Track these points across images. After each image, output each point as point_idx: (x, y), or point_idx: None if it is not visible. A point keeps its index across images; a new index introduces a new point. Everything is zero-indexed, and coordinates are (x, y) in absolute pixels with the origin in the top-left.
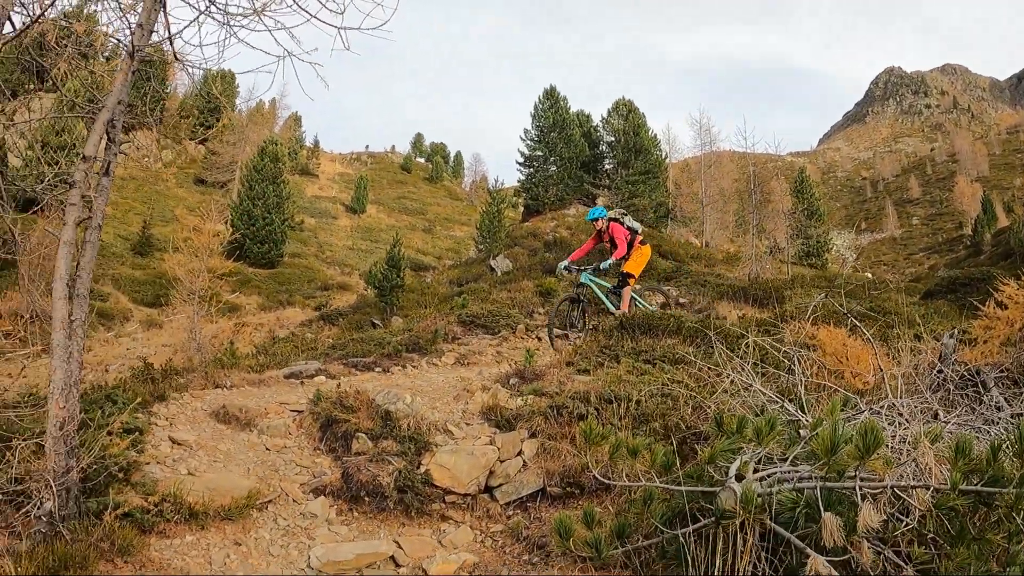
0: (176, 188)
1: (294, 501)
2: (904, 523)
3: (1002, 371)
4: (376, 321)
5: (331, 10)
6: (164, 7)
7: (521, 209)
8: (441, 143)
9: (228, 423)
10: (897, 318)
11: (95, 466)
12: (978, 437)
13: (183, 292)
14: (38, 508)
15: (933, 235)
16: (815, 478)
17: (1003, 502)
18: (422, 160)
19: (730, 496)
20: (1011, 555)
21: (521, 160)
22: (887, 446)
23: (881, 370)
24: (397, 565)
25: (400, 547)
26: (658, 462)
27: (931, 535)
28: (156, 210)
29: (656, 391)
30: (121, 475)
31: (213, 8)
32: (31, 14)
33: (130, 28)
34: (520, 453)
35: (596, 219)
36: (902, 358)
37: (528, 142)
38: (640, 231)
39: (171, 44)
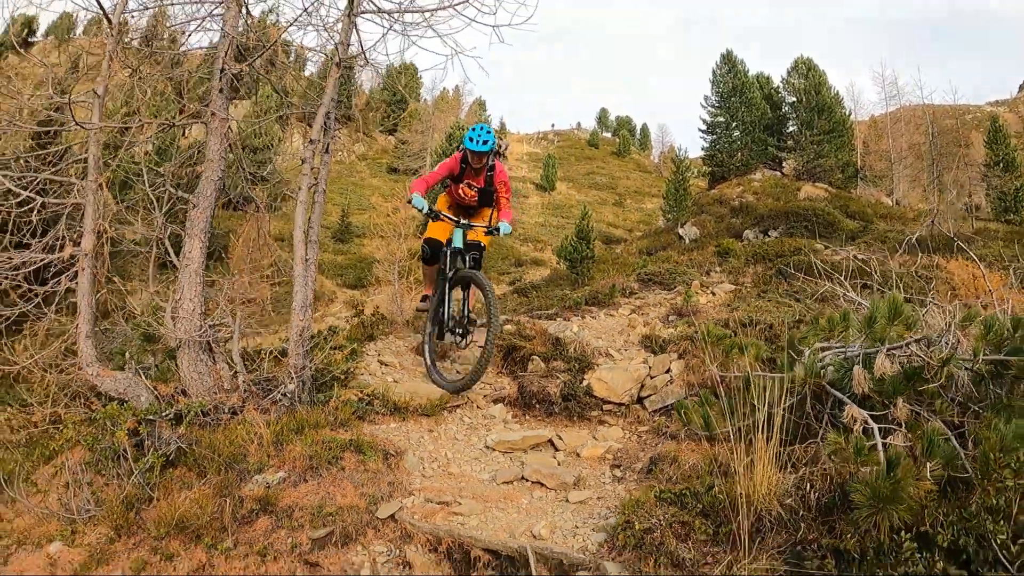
0: (370, 178)
1: (477, 407)
2: (932, 383)
3: None
4: (567, 291)
5: (485, 12)
6: (356, 27)
7: (707, 177)
8: (627, 117)
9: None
10: None
11: (322, 371)
12: None
13: (384, 265)
14: (282, 390)
15: None
16: (860, 348)
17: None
18: (608, 135)
19: (800, 369)
20: None
21: (703, 128)
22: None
23: (990, 290)
24: (556, 449)
25: (560, 438)
26: (761, 356)
27: (960, 398)
28: (352, 200)
29: (791, 318)
30: (342, 378)
31: (394, 23)
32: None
33: (334, 44)
34: (668, 371)
35: (484, 151)
36: None
37: (709, 108)
38: None
39: (364, 54)
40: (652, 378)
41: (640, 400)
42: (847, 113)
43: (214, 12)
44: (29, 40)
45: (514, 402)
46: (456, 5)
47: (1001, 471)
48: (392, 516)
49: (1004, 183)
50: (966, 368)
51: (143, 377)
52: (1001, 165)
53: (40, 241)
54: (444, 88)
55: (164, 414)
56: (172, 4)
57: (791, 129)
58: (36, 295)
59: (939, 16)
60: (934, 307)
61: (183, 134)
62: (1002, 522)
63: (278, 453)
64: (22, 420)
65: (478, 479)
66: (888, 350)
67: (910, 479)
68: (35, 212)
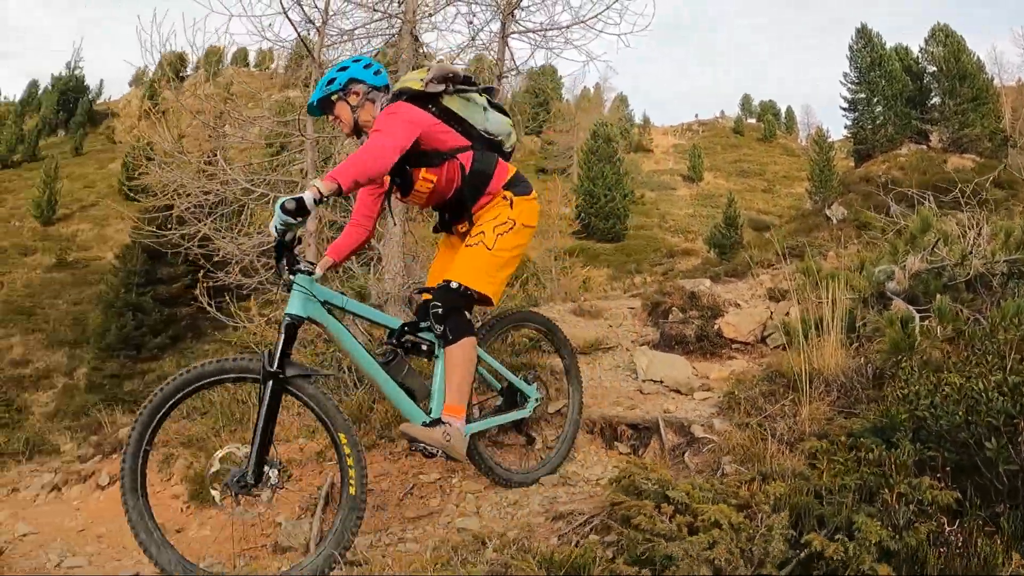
0: None
1: (626, 349)
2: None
3: None
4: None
5: (610, 24)
6: (508, 46)
7: (853, 156)
8: (770, 101)
9: (582, 316)
10: None
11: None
12: None
13: (536, 268)
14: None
15: None
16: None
17: None
18: (753, 121)
19: (864, 279)
20: None
21: (845, 105)
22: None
23: None
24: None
25: (694, 367)
26: (849, 281)
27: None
28: None
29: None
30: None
31: (540, 41)
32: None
33: (497, 65)
34: (787, 314)
35: (323, 101)
36: None
37: (849, 85)
38: (514, 145)
39: (516, 68)
40: (773, 320)
41: (763, 339)
42: (990, 78)
43: (391, 42)
44: (180, 76)
45: (656, 345)
46: (587, 20)
47: (997, 332)
48: (559, 411)
49: None
50: (1000, 272)
51: (359, 325)
52: None
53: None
54: (584, 86)
55: (378, 351)
56: (357, 38)
57: (934, 100)
58: (270, 268)
59: None
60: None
61: None
62: (996, 360)
63: None
64: None
65: (626, 390)
66: (922, 256)
67: (920, 335)
68: (270, 204)
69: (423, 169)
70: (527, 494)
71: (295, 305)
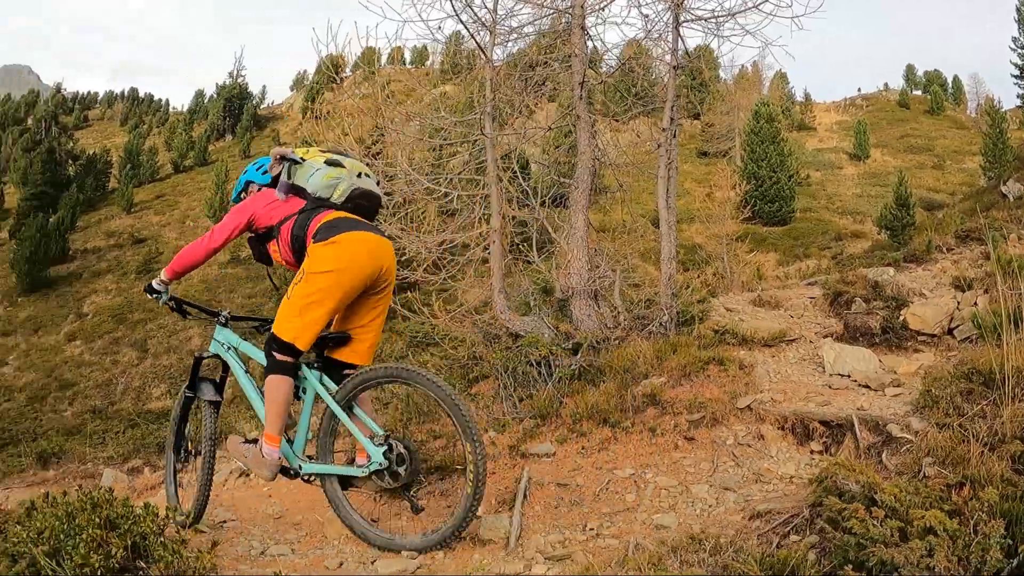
0: (681, 164)
1: (809, 341)
2: None
3: None
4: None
5: (782, 7)
6: (681, 36)
7: None
8: (935, 70)
9: (762, 306)
10: None
11: (682, 312)
12: None
13: (703, 256)
14: (658, 320)
15: None
16: None
17: None
18: (919, 93)
19: None
20: None
21: (1016, 72)
22: None
23: None
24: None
25: (880, 360)
26: None
27: None
28: None
29: None
30: (699, 317)
31: (714, 29)
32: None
33: (670, 52)
34: (975, 304)
35: (239, 194)
36: None
37: (1019, 51)
38: (346, 193)
39: (688, 58)
40: (960, 311)
41: (950, 331)
42: None
43: (562, 38)
44: (338, 78)
45: (840, 336)
46: (758, 5)
47: None
48: (748, 406)
49: None
50: None
51: (545, 320)
52: None
53: (461, 223)
54: (743, 66)
55: (565, 345)
56: (528, 36)
57: None
58: (457, 263)
59: None
60: None
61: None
62: None
63: (659, 365)
64: (448, 359)
65: (814, 384)
66: None
67: None
68: (453, 202)
69: (271, 243)
70: (723, 491)
71: (211, 347)
